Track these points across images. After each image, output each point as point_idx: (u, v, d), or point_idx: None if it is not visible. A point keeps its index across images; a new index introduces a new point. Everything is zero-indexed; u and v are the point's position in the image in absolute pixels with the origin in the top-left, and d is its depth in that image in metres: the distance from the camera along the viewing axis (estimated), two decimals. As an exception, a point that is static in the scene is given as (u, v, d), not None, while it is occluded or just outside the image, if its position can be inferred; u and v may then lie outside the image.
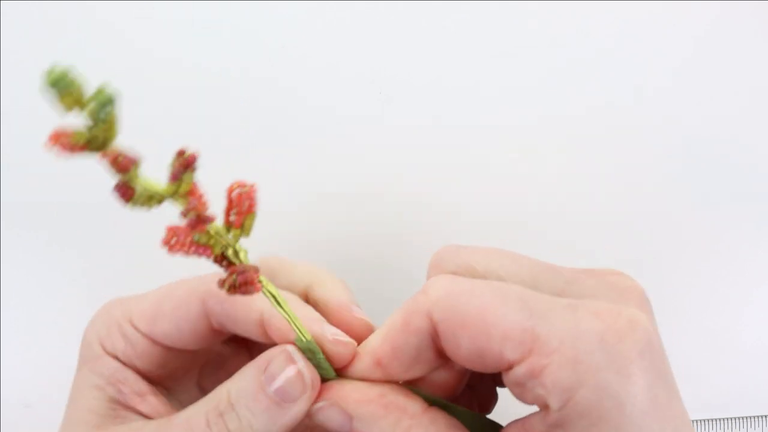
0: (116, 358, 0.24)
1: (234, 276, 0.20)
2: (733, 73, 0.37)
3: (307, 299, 0.25)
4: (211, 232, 0.20)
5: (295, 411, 0.21)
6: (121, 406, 0.24)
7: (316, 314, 0.23)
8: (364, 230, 0.36)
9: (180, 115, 0.35)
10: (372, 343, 0.22)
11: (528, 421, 0.20)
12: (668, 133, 0.37)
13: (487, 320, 0.19)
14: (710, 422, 0.37)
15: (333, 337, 0.22)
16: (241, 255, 0.20)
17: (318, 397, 0.22)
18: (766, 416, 0.37)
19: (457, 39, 0.35)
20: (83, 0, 0.34)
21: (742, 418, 0.37)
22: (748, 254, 0.37)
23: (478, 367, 0.20)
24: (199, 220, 0.19)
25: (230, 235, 0.20)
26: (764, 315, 0.37)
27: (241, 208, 0.20)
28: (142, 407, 0.24)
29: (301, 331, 0.21)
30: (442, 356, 0.21)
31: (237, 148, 0.35)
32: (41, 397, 0.34)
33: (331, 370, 0.22)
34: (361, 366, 0.22)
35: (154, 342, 0.24)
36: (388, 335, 0.21)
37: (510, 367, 0.19)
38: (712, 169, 0.37)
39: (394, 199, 0.36)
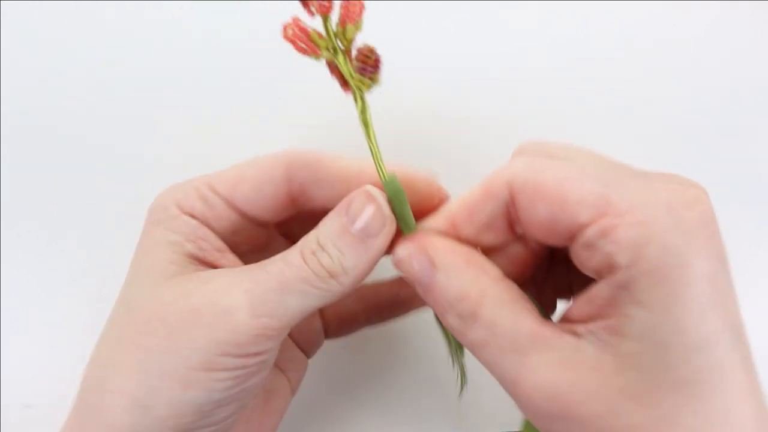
0: (193, 217, 0.25)
1: (372, 56, 0.22)
2: (733, 72, 0.37)
3: None
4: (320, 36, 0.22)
5: (378, 245, 0.23)
6: (200, 261, 0.24)
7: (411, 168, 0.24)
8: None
9: (183, 122, 0.35)
10: (449, 206, 0.24)
11: (592, 292, 0.21)
12: (666, 133, 0.37)
13: (563, 188, 0.20)
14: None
15: (426, 177, 0.24)
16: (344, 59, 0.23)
17: (410, 238, 0.23)
18: (766, 416, 0.37)
19: (457, 39, 0.36)
20: (83, 0, 0.35)
21: (742, 418, 0.37)
22: (748, 254, 0.37)
23: (548, 235, 0.21)
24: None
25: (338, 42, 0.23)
26: (765, 315, 0.37)
27: (348, 14, 0.22)
28: (223, 262, 0.25)
29: (381, 167, 0.23)
30: (511, 230, 0.23)
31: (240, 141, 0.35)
32: (41, 397, 0.34)
33: (412, 221, 0.24)
34: (435, 224, 0.24)
35: (232, 206, 0.25)
36: (466, 199, 0.23)
37: (581, 229, 0.20)
38: (712, 170, 0.37)
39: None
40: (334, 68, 0.23)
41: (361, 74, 0.23)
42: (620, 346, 0.20)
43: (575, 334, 0.21)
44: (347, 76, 0.23)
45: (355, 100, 0.23)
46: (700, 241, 0.19)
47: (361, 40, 0.23)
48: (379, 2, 0.35)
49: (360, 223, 0.23)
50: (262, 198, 0.25)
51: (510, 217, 0.22)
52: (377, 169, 0.23)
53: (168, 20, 0.35)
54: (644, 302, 0.19)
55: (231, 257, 0.25)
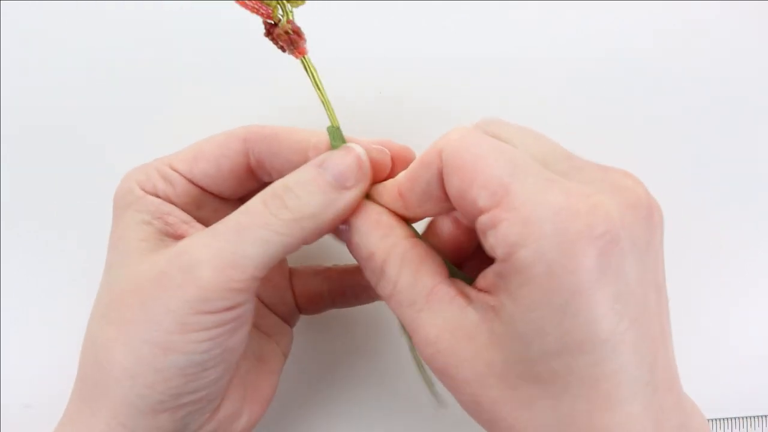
0: (157, 197, 0.26)
1: (288, 26, 0.23)
2: (733, 71, 0.37)
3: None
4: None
5: (349, 197, 0.23)
6: (171, 236, 0.25)
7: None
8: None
9: (184, 122, 0.35)
10: (398, 176, 0.25)
11: (486, 269, 0.22)
12: (666, 133, 0.37)
13: (475, 167, 0.21)
14: (710, 422, 0.37)
15: (378, 146, 0.25)
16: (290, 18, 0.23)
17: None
18: (766, 416, 0.37)
19: (457, 39, 0.35)
20: (84, 0, 0.35)
21: (742, 418, 0.37)
22: (748, 253, 0.37)
23: (462, 211, 0.22)
24: None
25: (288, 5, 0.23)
26: (764, 314, 0.37)
27: None
28: (191, 232, 0.26)
29: (331, 115, 0.24)
30: (448, 200, 0.23)
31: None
32: (41, 397, 0.34)
33: None
34: (387, 196, 0.25)
35: (193, 183, 0.26)
36: (409, 168, 0.24)
37: (480, 214, 0.21)
38: (712, 170, 0.37)
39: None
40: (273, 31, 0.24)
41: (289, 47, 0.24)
42: (495, 325, 0.21)
43: (468, 298, 0.22)
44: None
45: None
46: (577, 254, 0.19)
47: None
48: (386, 2, 0.35)
49: (336, 172, 0.23)
50: (220, 173, 0.26)
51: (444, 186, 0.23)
52: (327, 112, 0.24)
53: (169, 20, 0.35)
54: (513, 296, 0.20)
55: (198, 226, 0.26)
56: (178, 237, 0.25)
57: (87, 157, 0.35)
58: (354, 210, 0.24)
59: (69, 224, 0.35)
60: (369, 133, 0.35)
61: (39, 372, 0.34)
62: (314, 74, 0.24)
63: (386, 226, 0.24)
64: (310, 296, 0.31)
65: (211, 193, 0.27)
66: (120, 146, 0.35)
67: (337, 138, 0.25)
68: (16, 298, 0.35)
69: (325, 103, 0.24)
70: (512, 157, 0.21)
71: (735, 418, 0.37)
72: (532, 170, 0.20)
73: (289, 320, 0.31)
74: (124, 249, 0.25)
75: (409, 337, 0.25)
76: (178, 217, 0.26)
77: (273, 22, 0.23)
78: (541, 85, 0.36)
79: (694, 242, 0.37)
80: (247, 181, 0.27)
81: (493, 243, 0.20)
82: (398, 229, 0.24)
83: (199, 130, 0.35)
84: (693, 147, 0.37)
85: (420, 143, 0.36)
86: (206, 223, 0.27)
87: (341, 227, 0.25)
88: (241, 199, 0.28)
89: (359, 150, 0.24)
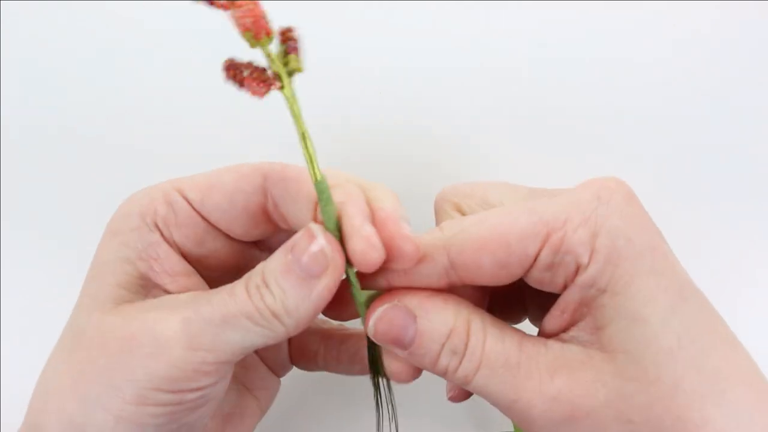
0: (155, 225, 0.24)
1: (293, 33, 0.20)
2: (734, 69, 0.37)
3: None
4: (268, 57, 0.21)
5: (322, 287, 0.22)
6: (150, 284, 0.24)
7: (365, 211, 0.22)
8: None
9: (185, 124, 0.35)
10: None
11: (561, 303, 0.21)
12: (661, 129, 0.37)
13: (501, 235, 0.21)
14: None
15: (366, 233, 0.21)
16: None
17: (377, 302, 0.22)
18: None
19: (455, 39, 0.36)
20: (84, 0, 0.35)
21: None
22: (747, 252, 0.37)
23: (502, 279, 0.22)
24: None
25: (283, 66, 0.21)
26: (763, 314, 0.37)
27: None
28: (171, 287, 0.24)
29: (314, 171, 0.21)
30: (449, 285, 0.23)
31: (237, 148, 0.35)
32: (41, 397, 0.34)
33: (333, 223, 0.22)
34: (430, 275, 0.23)
35: (201, 215, 0.24)
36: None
37: (536, 258, 0.21)
38: (709, 168, 0.37)
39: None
40: (241, 70, 0.22)
41: (289, 53, 0.21)
42: (602, 337, 0.21)
43: (561, 339, 0.22)
44: (277, 66, 0.21)
45: (283, 89, 0.21)
46: (632, 216, 0.21)
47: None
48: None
49: (303, 263, 0.21)
50: (233, 208, 0.24)
51: (451, 275, 0.22)
52: (309, 167, 0.21)
53: (169, 20, 0.35)
54: (609, 288, 0.20)
55: (183, 282, 0.24)
56: (158, 288, 0.24)
57: (87, 158, 0.35)
58: (413, 296, 0.22)
59: (69, 225, 0.35)
60: (369, 133, 0.35)
61: (39, 372, 0.34)
62: (297, 112, 0.21)
63: (453, 301, 0.22)
64: (303, 352, 0.29)
65: (219, 230, 0.25)
66: (121, 147, 0.35)
67: (323, 192, 0.22)
68: (16, 298, 0.35)
69: (308, 156, 0.21)
70: (517, 205, 0.22)
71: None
72: (543, 199, 0.22)
73: (278, 371, 0.29)
74: (99, 291, 0.23)
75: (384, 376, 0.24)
76: (164, 267, 0.24)
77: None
78: (540, 87, 0.36)
79: (692, 242, 0.37)
80: (261, 222, 0.25)
81: (570, 258, 0.20)
82: (462, 300, 0.23)
83: (201, 133, 0.35)
84: (693, 147, 0.37)
85: (418, 142, 0.36)
86: (202, 263, 0.25)
87: (403, 340, 0.22)
88: (252, 244, 0.26)
89: (319, 236, 0.21)
